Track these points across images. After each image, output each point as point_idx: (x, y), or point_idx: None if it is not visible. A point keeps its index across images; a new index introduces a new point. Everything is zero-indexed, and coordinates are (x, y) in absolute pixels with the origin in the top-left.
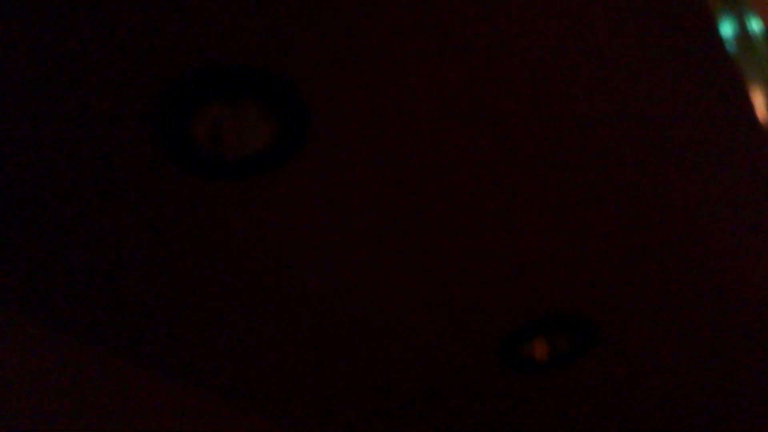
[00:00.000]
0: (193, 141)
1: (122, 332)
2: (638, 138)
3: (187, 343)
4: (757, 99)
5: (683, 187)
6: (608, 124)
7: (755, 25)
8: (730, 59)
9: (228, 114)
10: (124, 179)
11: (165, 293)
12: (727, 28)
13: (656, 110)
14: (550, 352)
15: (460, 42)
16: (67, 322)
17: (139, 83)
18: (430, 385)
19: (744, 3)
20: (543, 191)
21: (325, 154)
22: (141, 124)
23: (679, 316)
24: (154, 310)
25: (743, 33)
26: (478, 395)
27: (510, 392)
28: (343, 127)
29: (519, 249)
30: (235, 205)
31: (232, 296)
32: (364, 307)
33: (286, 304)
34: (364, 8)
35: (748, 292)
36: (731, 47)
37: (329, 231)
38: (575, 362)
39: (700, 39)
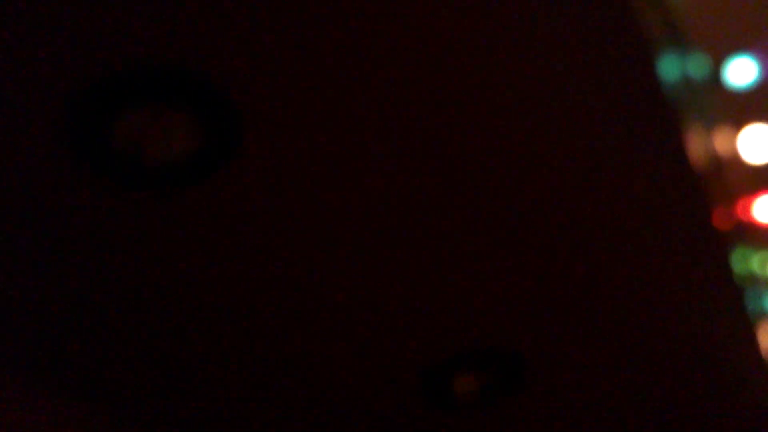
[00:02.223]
0: (113, 148)
1: (25, 353)
2: (572, 176)
3: (94, 366)
4: (695, 143)
5: (615, 224)
6: (541, 162)
7: (698, 65)
8: (667, 101)
9: (151, 119)
10: (37, 187)
11: (73, 310)
12: (668, 68)
13: (587, 150)
14: (477, 388)
15: (407, 51)
16: None
17: (54, 84)
18: (345, 422)
19: (688, 41)
20: (476, 222)
21: (257, 166)
22: (56, 128)
23: (612, 353)
24: (59, 329)
25: (685, 74)
26: None
27: None
28: (279, 137)
29: (446, 278)
30: (155, 218)
31: (146, 317)
32: (281, 337)
33: (201, 328)
34: (304, 6)
35: (679, 327)
36: (671, 88)
37: (254, 249)
38: (504, 400)
39: (638, 78)
